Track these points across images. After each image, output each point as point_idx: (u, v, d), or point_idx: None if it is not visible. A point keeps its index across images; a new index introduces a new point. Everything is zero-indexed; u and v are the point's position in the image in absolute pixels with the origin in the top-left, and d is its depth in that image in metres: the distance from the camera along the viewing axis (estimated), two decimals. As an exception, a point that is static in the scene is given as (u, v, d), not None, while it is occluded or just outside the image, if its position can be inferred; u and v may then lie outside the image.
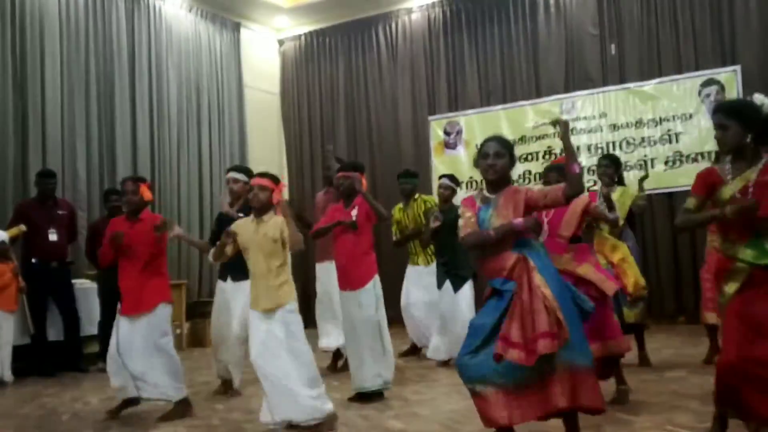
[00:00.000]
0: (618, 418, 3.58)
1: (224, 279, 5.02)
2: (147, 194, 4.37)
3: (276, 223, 3.79)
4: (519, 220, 2.99)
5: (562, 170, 3.79)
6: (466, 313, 5.34)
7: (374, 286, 4.54)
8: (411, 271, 6.39)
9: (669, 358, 5.37)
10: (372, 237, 4.70)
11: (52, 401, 5.07)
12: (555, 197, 2.99)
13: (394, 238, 6.41)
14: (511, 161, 3.16)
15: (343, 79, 9.89)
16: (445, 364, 5.64)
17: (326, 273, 5.68)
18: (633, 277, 4.81)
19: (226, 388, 4.93)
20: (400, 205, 6.43)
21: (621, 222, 5.13)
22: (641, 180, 5.47)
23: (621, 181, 5.39)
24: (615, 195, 5.14)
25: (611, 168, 5.27)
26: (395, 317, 6.32)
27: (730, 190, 2.84)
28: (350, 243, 4.54)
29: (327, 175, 6.15)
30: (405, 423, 3.73)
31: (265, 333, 3.69)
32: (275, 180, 3.92)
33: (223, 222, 4.68)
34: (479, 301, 3.52)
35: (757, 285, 2.76)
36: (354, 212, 4.57)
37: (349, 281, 4.56)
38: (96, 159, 7.70)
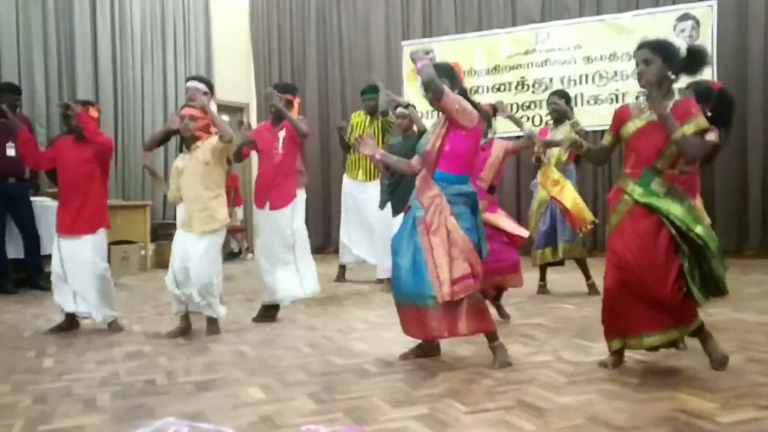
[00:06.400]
0: (576, 343, 3.69)
1: None
2: (93, 116, 4.35)
3: (205, 146, 4.10)
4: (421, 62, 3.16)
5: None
6: None
7: (292, 209, 4.63)
8: (350, 185, 6.37)
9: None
10: (296, 160, 4.74)
11: (14, 318, 5.02)
12: (443, 102, 3.16)
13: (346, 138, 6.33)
14: (451, 86, 3.26)
15: (315, -2, 9.56)
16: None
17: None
18: (581, 213, 5.00)
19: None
20: (361, 111, 6.32)
21: (564, 157, 5.20)
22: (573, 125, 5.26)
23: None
24: (564, 131, 5.18)
25: (560, 104, 5.26)
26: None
27: (633, 125, 3.03)
28: (274, 163, 4.58)
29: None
30: (369, 345, 3.79)
31: (184, 253, 4.10)
32: (204, 111, 4.19)
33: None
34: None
35: (633, 220, 2.98)
36: (281, 133, 4.58)
37: (267, 200, 4.61)
38: (55, 73, 7.38)
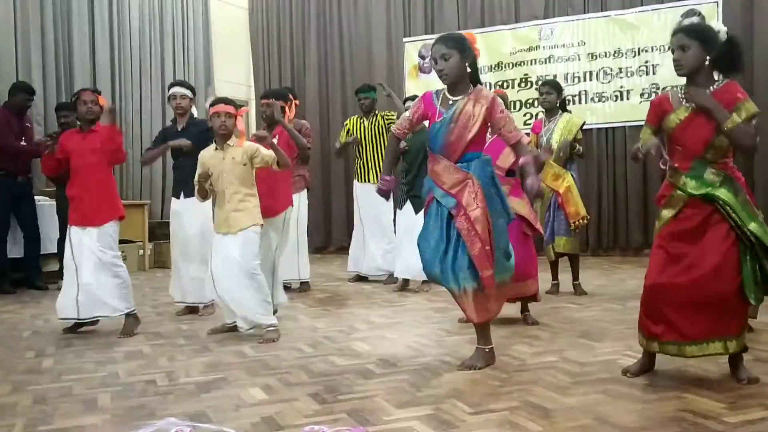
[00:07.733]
0: (581, 344, 3.65)
1: (177, 196, 4.88)
2: (103, 103, 4.28)
3: (243, 148, 4.02)
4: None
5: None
6: None
7: (284, 216, 4.53)
8: (360, 189, 6.29)
9: (633, 288, 5.47)
10: (290, 168, 4.63)
11: (12, 318, 5.00)
12: (507, 140, 3.19)
13: (337, 145, 6.32)
14: (464, 56, 3.12)
15: (316, -5, 9.51)
16: (406, 283, 5.80)
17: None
18: (574, 207, 4.99)
19: (190, 310, 4.90)
20: (357, 116, 6.29)
21: (576, 149, 5.15)
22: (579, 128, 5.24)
23: (564, 108, 5.31)
24: (560, 122, 5.13)
25: (552, 94, 5.21)
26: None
27: (676, 117, 2.86)
28: (267, 171, 4.40)
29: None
30: (372, 345, 3.75)
31: (224, 255, 3.95)
32: (237, 106, 4.10)
33: (168, 133, 4.87)
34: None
35: (690, 214, 2.82)
36: (274, 140, 4.44)
37: (262, 209, 4.43)
38: (52, 73, 7.34)
